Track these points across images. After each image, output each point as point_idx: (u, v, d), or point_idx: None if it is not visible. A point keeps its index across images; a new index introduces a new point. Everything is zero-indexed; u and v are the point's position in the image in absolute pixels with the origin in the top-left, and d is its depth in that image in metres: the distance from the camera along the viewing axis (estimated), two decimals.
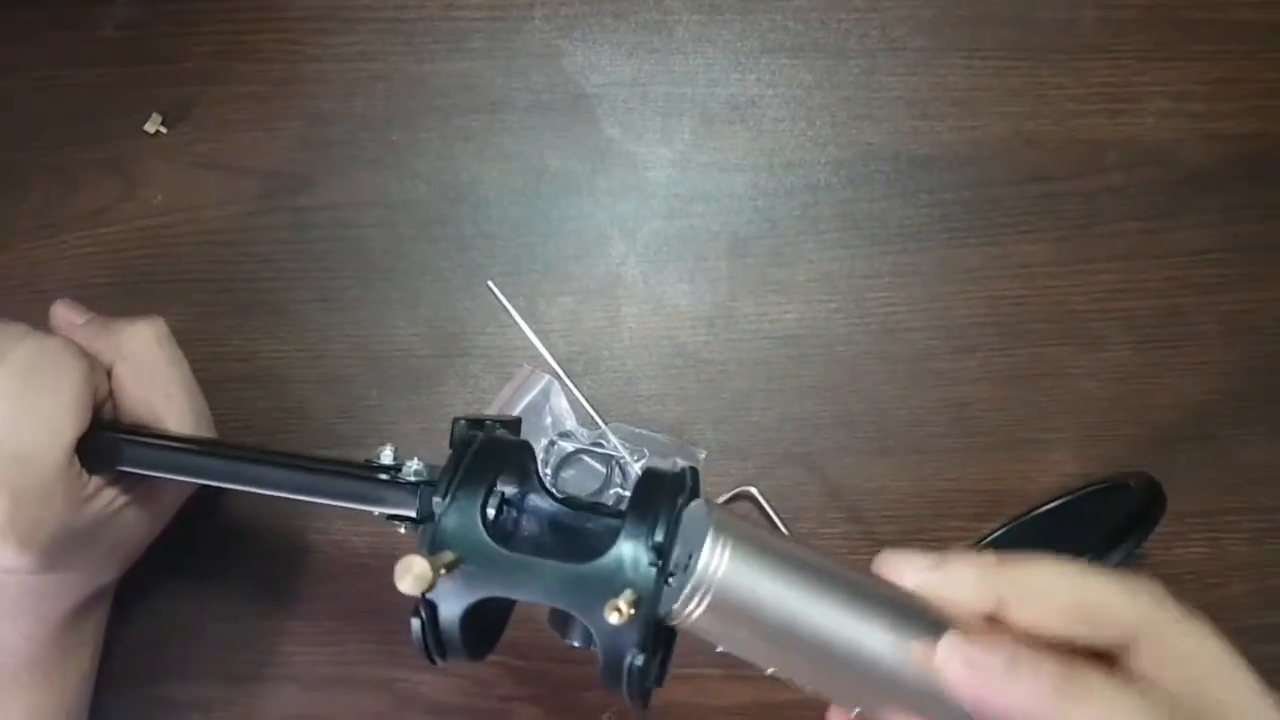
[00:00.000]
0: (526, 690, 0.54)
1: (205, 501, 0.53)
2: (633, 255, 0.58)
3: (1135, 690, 0.30)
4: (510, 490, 0.38)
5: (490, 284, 0.57)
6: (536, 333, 0.57)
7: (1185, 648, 0.31)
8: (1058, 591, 0.31)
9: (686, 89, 0.59)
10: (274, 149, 0.59)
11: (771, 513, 0.55)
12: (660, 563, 0.32)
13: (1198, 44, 0.59)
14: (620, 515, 0.35)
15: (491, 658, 0.38)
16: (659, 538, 0.32)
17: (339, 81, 0.59)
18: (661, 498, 0.34)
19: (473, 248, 0.58)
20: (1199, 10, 0.59)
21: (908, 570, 0.33)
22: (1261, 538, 0.55)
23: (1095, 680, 0.30)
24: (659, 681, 0.35)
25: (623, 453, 0.55)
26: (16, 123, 0.59)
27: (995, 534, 0.55)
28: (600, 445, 0.55)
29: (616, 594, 0.31)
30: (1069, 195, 0.58)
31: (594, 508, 0.38)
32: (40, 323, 0.57)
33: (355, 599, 0.55)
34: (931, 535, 0.55)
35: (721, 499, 0.55)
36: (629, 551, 0.32)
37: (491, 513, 0.37)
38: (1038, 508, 0.55)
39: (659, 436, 0.55)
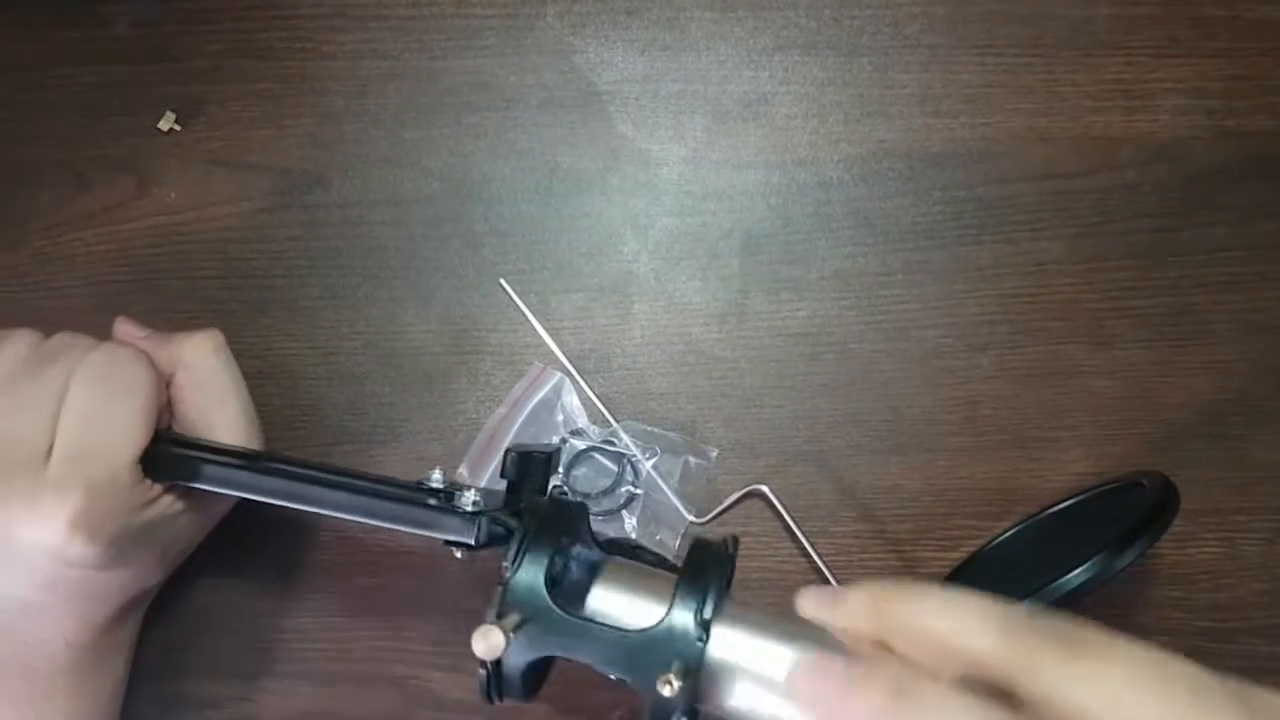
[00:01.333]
0: None
1: None
2: (645, 253, 0.58)
3: (974, 702, 0.29)
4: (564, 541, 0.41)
5: (502, 281, 0.57)
6: (548, 330, 0.57)
7: (1065, 699, 0.28)
8: (934, 632, 0.31)
9: (699, 86, 0.59)
10: (286, 146, 0.59)
11: (783, 511, 0.55)
12: (706, 637, 0.35)
13: (1213, 41, 0.58)
14: (664, 564, 0.38)
15: None
16: (707, 613, 0.35)
17: (351, 79, 0.59)
18: (711, 572, 0.36)
19: (485, 245, 0.58)
20: (1214, 7, 0.58)
21: (811, 604, 0.34)
22: (1275, 537, 0.55)
23: (930, 692, 0.29)
24: None
25: (634, 451, 0.55)
26: (29, 120, 0.59)
27: (1007, 533, 0.54)
28: (612, 443, 0.55)
29: (667, 665, 0.34)
30: (1082, 193, 0.58)
31: (635, 553, 0.41)
32: (54, 318, 0.57)
33: (367, 597, 0.55)
34: (943, 534, 0.55)
35: (733, 497, 0.55)
36: (679, 623, 0.35)
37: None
38: (1050, 507, 0.54)
39: (671, 434, 0.55)
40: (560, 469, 0.55)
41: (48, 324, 0.57)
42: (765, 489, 0.55)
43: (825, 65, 0.59)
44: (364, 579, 0.55)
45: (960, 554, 0.55)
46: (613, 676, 0.37)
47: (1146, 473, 0.52)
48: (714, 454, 0.55)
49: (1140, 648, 0.29)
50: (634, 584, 0.38)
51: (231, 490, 0.46)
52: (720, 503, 0.55)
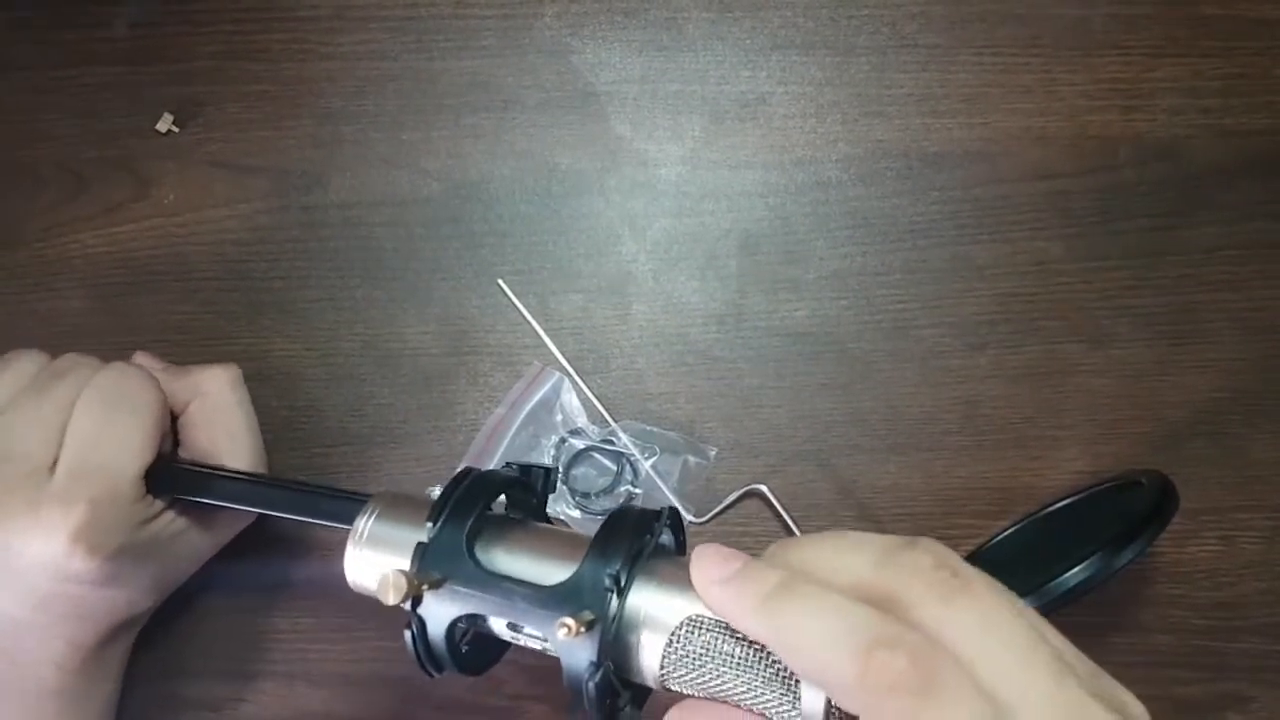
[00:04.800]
0: (537, 689, 0.54)
1: None
2: (643, 253, 0.58)
3: (853, 604, 0.29)
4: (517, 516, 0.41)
5: (500, 282, 0.57)
6: (547, 330, 0.57)
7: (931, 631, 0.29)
8: (818, 569, 0.31)
9: (697, 86, 0.59)
10: (284, 148, 0.59)
11: (782, 511, 0.55)
12: (616, 588, 0.35)
13: (1210, 40, 0.58)
14: None
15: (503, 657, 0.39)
16: (615, 567, 0.35)
17: (349, 80, 0.59)
18: (624, 532, 0.36)
19: (483, 246, 0.58)
20: (1211, 6, 0.58)
21: (704, 576, 0.33)
22: (1274, 535, 0.55)
23: (814, 588, 0.30)
24: (637, 705, 0.37)
25: (632, 450, 0.55)
26: (28, 122, 0.59)
27: (1006, 532, 0.54)
28: (611, 442, 0.55)
29: (574, 614, 0.34)
30: (1080, 192, 0.58)
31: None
32: (51, 320, 0.57)
33: (365, 597, 0.55)
34: (942, 533, 0.55)
35: (731, 497, 0.55)
36: (589, 576, 0.35)
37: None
38: (1049, 505, 0.54)
39: (670, 434, 0.55)
40: (560, 468, 0.55)
41: (45, 325, 0.57)
42: (764, 489, 0.55)
43: (823, 65, 0.59)
44: None
45: (960, 553, 0.55)
46: (536, 645, 0.37)
47: (1145, 471, 0.52)
48: (713, 453, 0.55)
49: (994, 590, 0.31)
50: (551, 546, 0.38)
51: (234, 504, 0.47)
52: (719, 502, 0.55)
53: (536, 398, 0.56)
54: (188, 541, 0.49)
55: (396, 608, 0.43)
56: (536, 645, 0.37)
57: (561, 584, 0.35)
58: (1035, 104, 0.58)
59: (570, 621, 0.33)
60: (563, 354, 0.56)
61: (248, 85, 0.59)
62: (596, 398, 0.56)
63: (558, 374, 0.56)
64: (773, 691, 0.33)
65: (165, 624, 0.54)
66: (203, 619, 0.55)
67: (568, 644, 0.34)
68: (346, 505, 0.43)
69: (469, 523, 0.38)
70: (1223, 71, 0.58)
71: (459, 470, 0.40)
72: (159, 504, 0.46)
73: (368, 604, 0.54)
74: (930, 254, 0.57)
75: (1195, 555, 0.55)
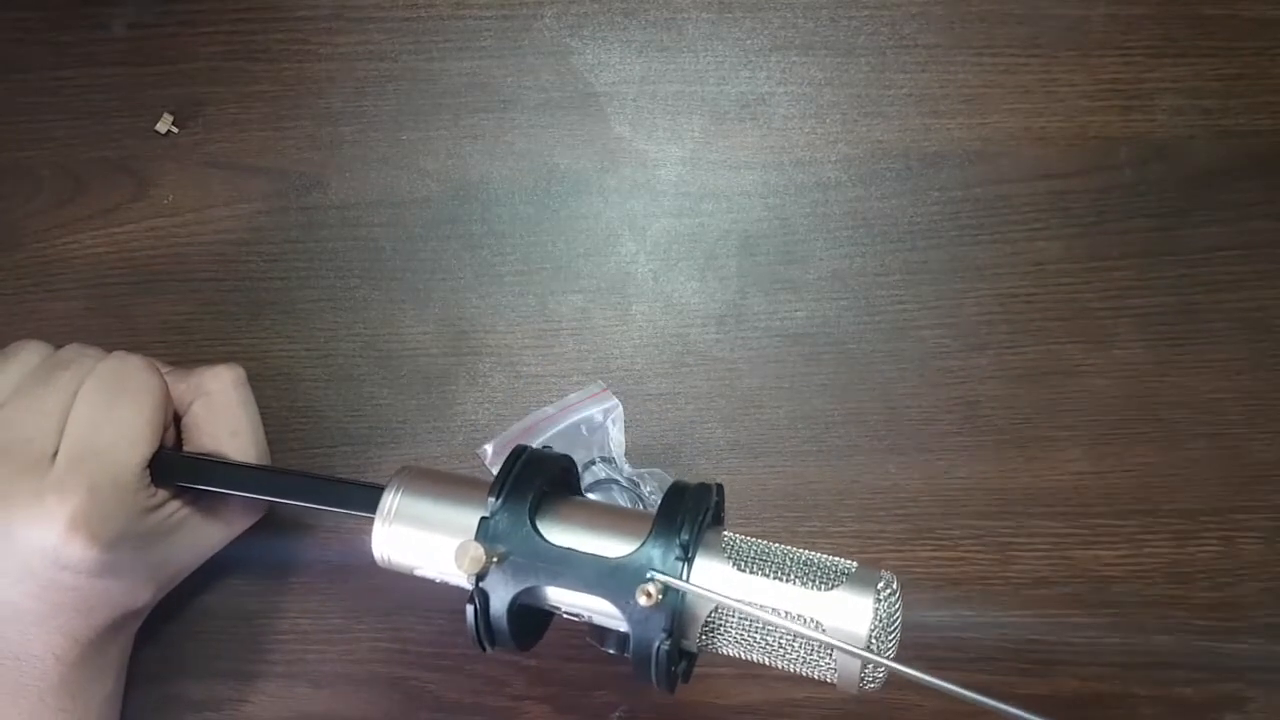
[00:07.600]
0: (537, 689, 0.54)
1: None
2: (643, 253, 0.58)
3: None
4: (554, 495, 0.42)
5: None
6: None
7: None
8: None
9: (696, 87, 0.59)
10: (284, 148, 0.59)
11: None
12: (686, 558, 0.36)
13: (1210, 40, 0.58)
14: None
15: (503, 656, 0.40)
16: (685, 537, 0.36)
17: (348, 81, 0.59)
18: (687, 504, 0.38)
19: (483, 246, 0.58)
20: (1211, 6, 0.58)
21: None
22: (1274, 536, 0.55)
23: None
24: (685, 677, 0.39)
25: (650, 498, 0.54)
26: (27, 123, 0.59)
27: None
28: (636, 484, 0.55)
29: (647, 580, 0.36)
30: (1080, 192, 0.58)
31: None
32: (51, 321, 0.57)
33: (365, 598, 0.55)
34: (942, 534, 0.55)
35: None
36: (658, 547, 0.37)
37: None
38: None
39: None
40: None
41: (45, 326, 0.57)
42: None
43: (823, 65, 0.59)
44: (363, 579, 0.55)
45: (959, 553, 0.55)
46: (597, 620, 0.38)
47: None
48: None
49: None
50: (609, 520, 0.40)
51: (239, 491, 0.47)
52: None
53: (587, 413, 0.55)
54: (191, 533, 0.49)
55: (395, 603, 0.43)
56: (587, 617, 0.39)
57: (632, 554, 0.37)
58: (1035, 104, 0.58)
59: (651, 588, 0.35)
60: (603, 386, 0.56)
61: (247, 85, 0.59)
62: (640, 447, 0.55)
63: (615, 401, 0.55)
64: (808, 649, 0.36)
65: (166, 624, 0.54)
66: (203, 619, 0.55)
67: (642, 613, 0.35)
68: (356, 490, 0.44)
69: (530, 498, 0.39)
70: (1223, 71, 0.58)
71: (514, 450, 0.41)
72: (162, 494, 0.46)
73: (368, 604, 0.55)
74: (930, 254, 0.57)
75: (1195, 556, 0.55)
